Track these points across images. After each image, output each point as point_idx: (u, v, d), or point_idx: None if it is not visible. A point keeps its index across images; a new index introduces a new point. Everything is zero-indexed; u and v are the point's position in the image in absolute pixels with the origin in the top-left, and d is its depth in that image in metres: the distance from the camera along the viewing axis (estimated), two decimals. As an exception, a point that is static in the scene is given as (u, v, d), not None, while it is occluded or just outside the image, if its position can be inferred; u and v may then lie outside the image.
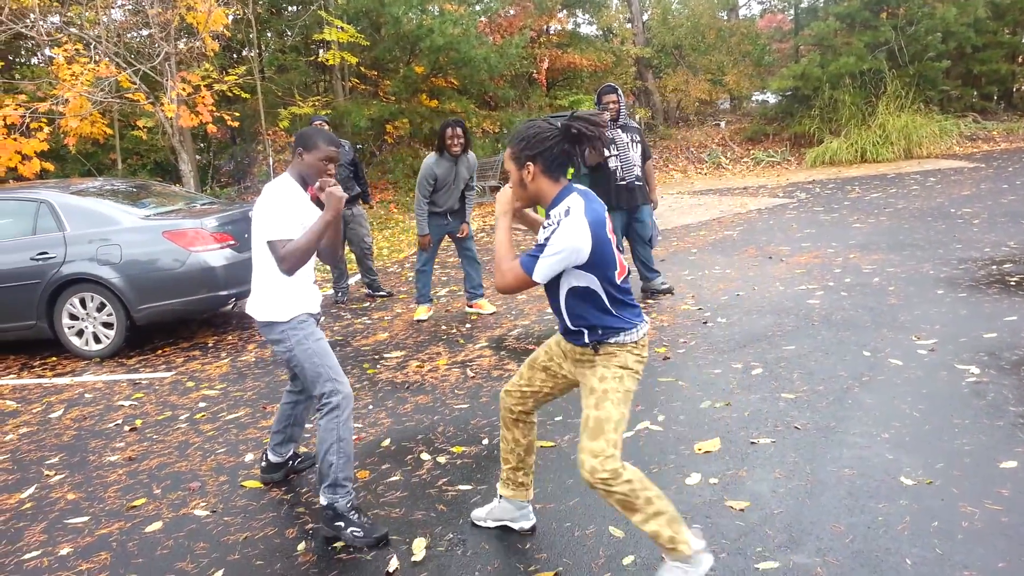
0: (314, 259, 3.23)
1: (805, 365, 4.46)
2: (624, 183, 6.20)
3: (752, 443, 3.51)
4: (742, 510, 2.95)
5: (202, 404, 4.87)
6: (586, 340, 2.50)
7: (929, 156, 15.40)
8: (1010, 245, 7.15)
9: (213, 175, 15.93)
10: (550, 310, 6.34)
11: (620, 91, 6.26)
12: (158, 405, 4.94)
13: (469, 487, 3.38)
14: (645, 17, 22.82)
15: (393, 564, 2.81)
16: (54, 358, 6.37)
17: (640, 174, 6.29)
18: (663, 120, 21.45)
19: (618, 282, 2.46)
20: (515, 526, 2.96)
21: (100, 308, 6.13)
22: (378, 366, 5.29)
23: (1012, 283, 5.81)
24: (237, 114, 12.77)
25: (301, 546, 3.01)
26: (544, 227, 2.41)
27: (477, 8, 16.13)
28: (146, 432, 4.47)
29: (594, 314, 2.46)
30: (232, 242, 6.34)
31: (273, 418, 3.64)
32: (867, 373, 4.25)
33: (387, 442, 3.97)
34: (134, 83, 10.45)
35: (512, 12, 17.65)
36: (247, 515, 3.32)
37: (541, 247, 2.35)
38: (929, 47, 16.82)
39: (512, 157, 2.45)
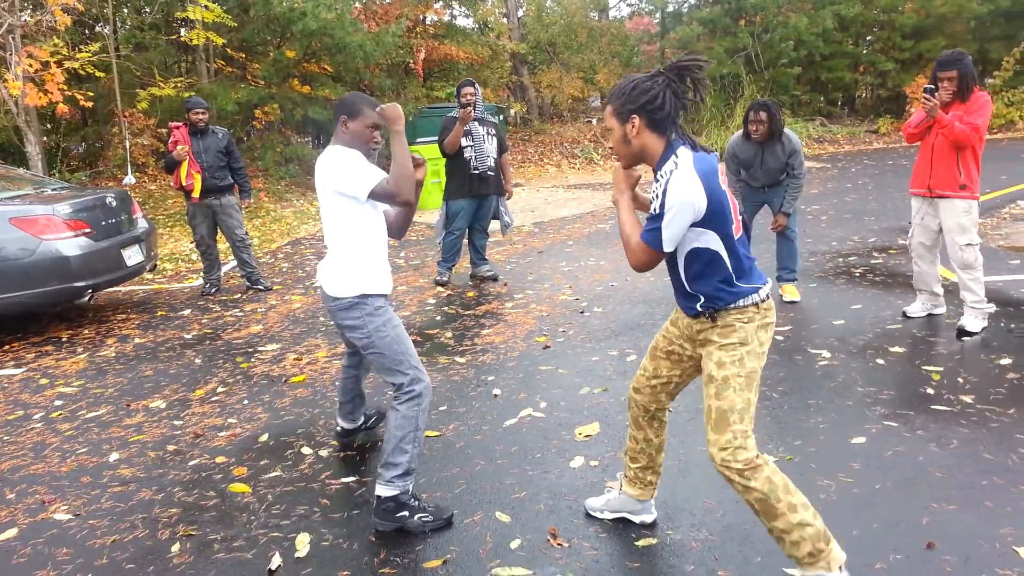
0: (386, 238, 3.12)
1: (676, 352, 4.68)
2: (477, 172, 6.54)
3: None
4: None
5: (58, 402, 4.54)
6: (698, 308, 2.35)
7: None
8: (854, 239, 7.78)
9: (62, 158, 14.78)
10: (431, 301, 6.33)
11: (476, 85, 6.58)
12: (8, 404, 4.56)
13: (353, 479, 3.34)
14: (520, 13, 23.06)
15: (276, 561, 2.74)
16: None
17: (493, 165, 6.60)
18: (538, 115, 21.78)
19: (735, 239, 2.29)
20: (635, 519, 2.84)
21: (-65, 301, 5.58)
22: (252, 360, 5.11)
23: (857, 274, 6.33)
24: (91, 93, 11.91)
25: (175, 547, 2.88)
26: (654, 191, 2.23)
27: (352, -6, 15.77)
28: (-6, 434, 4.12)
29: (714, 283, 2.29)
30: (88, 230, 5.92)
31: (337, 390, 3.68)
32: (732, 359, 4.51)
33: (265, 437, 3.85)
34: (-30, 56, 9.55)
35: (388, 0, 17.39)
36: (115, 517, 3.13)
37: (659, 215, 2.20)
38: (782, 54, 17.98)
39: (614, 112, 2.30)
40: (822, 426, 3.55)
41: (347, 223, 2.96)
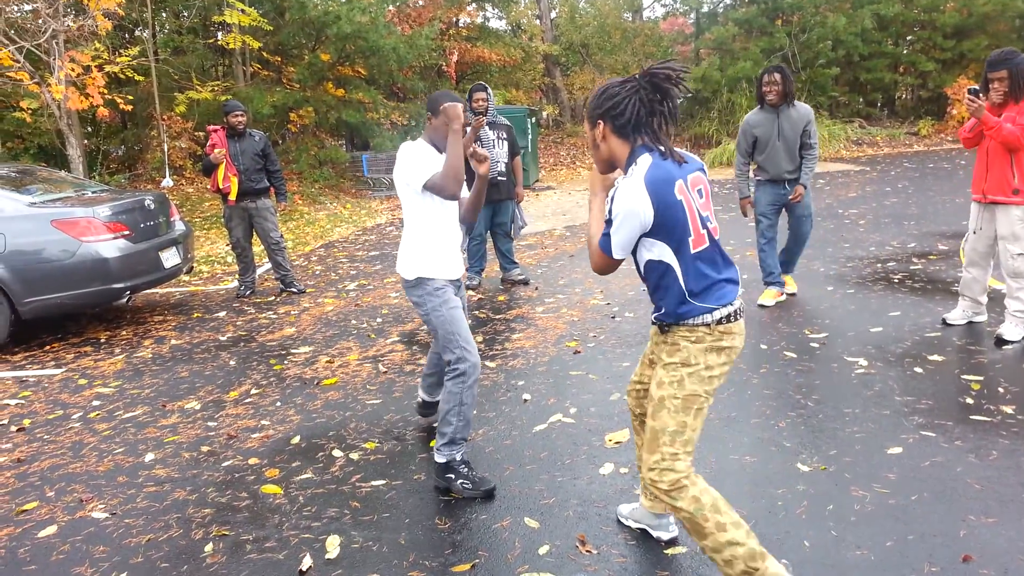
0: (458, 225, 3.42)
1: (708, 358, 4.63)
2: None
3: (660, 434, 3.63)
4: (652, 499, 3.04)
5: (96, 402, 4.63)
6: (652, 318, 2.36)
7: (819, 159, 16.24)
8: (893, 244, 7.63)
9: (102, 161, 15.11)
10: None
11: (489, 90, 6.60)
12: (48, 404, 4.67)
13: (383, 482, 3.36)
14: (553, 14, 23.07)
15: (307, 562, 2.76)
16: (-73, 354, 5.92)
17: (503, 170, 6.66)
18: (570, 117, 21.76)
19: (694, 253, 2.21)
20: (653, 533, 2.77)
21: (-20, 301, 5.73)
22: (285, 362, 5.17)
23: (895, 280, 6.21)
24: (130, 97, 12.15)
25: (209, 547, 2.92)
26: (609, 198, 2.23)
27: (386, -3, 15.91)
28: (35, 432, 4.22)
29: (668, 298, 2.25)
30: (127, 232, 6.04)
31: (424, 362, 3.92)
32: (765, 365, 4.45)
33: (297, 439, 3.89)
34: (17, 61, 9.80)
35: (421, 3, 17.52)
36: (150, 516, 3.19)
37: (609, 221, 2.20)
38: (820, 54, 17.72)
39: (587, 118, 2.31)
40: (858, 435, 3.49)
41: (414, 211, 3.27)
